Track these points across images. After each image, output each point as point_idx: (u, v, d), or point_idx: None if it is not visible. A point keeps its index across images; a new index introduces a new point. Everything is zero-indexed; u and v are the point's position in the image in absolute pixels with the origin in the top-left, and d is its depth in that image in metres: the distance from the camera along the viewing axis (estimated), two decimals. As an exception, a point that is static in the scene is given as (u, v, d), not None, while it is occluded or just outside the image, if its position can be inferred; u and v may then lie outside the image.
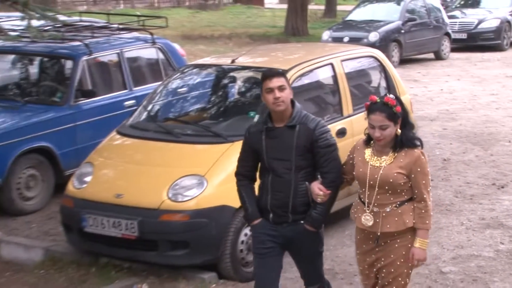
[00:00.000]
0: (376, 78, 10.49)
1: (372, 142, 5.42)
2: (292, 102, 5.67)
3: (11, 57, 12.19)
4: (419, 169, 5.28)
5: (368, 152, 5.42)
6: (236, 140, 8.29)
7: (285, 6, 34.45)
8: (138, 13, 17.39)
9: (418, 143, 5.40)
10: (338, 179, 5.63)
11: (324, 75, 9.76)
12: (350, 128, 9.39)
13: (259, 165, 5.79)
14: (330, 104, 9.61)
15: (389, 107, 5.21)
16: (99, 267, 8.28)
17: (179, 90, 10.12)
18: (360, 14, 25.66)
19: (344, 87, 9.59)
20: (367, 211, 5.35)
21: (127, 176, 8.29)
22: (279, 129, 5.61)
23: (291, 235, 5.64)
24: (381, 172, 5.25)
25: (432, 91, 18.88)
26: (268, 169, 5.63)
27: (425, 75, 21.37)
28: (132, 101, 10.79)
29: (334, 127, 9.11)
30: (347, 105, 9.55)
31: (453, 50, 25.19)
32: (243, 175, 5.86)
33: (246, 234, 8.24)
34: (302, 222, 5.60)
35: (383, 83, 10.43)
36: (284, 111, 5.56)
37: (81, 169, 8.92)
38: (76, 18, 14.60)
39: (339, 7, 37.52)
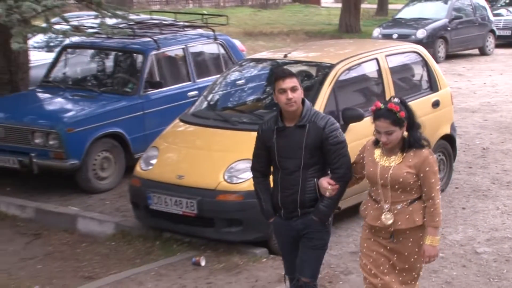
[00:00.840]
0: (419, 72, 10.27)
1: (380, 142, 5.23)
2: (303, 101, 5.40)
3: (90, 51, 12.30)
4: (427, 169, 5.09)
5: (377, 152, 5.24)
6: None
7: (340, 5, 34.38)
8: (205, 12, 17.34)
9: (426, 143, 5.22)
10: (348, 174, 5.41)
11: (369, 69, 9.62)
12: None
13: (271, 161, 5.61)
14: (374, 95, 9.42)
15: (393, 113, 5.01)
16: (163, 241, 8.39)
17: (237, 82, 10.08)
18: (409, 12, 25.29)
19: (387, 80, 9.44)
20: (385, 211, 5.16)
21: (188, 160, 8.36)
22: (289, 129, 5.37)
23: (301, 227, 5.45)
24: (391, 171, 5.09)
25: (476, 84, 18.57)
26: (278, 167, 5.44)
27: (470, 69, 21.11)
28: (195, 92, 10.78)
29: None
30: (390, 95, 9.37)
31: (498, 46, 24.79)
32: (258, 171, 5.68)
33: None
34: (309, 214, 5.41)
35: (425, 77, 10.24)
36: (295, 110, 5.31)
37: (148, 152, 9.01)
38: (147, 16, 14.80)
39: (390, 6, 37.18)
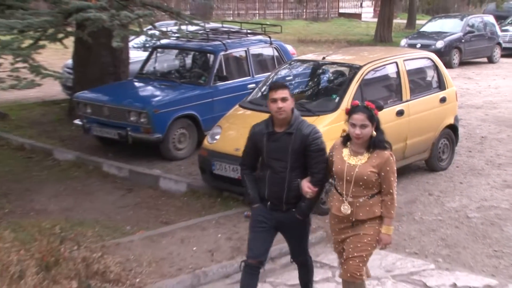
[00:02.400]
0: (430, 74, 10.21)
1: (348, 143, 4.96)
2: (292, 110, 5.11)
3: (174, 51, 12.43)
4: (388, 168, 4.84)
5: (345, 151, 4.93)
6: (321, 114, 8.50)
7: (376, 19, 34.02)
8: (268, 23, 17.48)
9: (388, 146, 4.94)
10: (325, 179, 5.15)
11: (390, 70, 9.55)
12: (407, 109, 9.33)
13: (260, 159, 5.28)
14: (393, 91, 9.45)
15: (369, 110, 4.81)
16: (223, 198, 8.58)
17: (285, 77, 10.08)
18: (432, 26, 24.98)
19: (404, 79, 9.43)
20: (345, 201, 4.91)
21: (243, 137, 8.14)
22: (278, 134, 5.04)
23: (283, 220, 5.17)
24: (356, 170, 4.80)
25: (481, 86, 18.36)
26: (267, 166, 5.12)
27: (478, 74, 20.88)
28: (253, 85, 10.78)
29: (395, 109, 9.16)
30: (406, 93, 9.40)
31: (503, 56, 24.39)
32: (247, 165, 5.35)
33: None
34: (293, 210, 5.13)
35: (435, 78, 10.16)
36: (285, 118, 4.98)
37: (213, 130, 9.11)
38: (219, 25, 14.92)
39: (418, 21, 36.64)
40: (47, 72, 7.26)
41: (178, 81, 11.46)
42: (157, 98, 10.69)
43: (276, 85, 5.10)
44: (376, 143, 4.84)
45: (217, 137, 8.82)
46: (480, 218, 8.14)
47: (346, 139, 4.97)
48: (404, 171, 9.78)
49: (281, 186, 5.05)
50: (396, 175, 4.95)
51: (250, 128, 5.31)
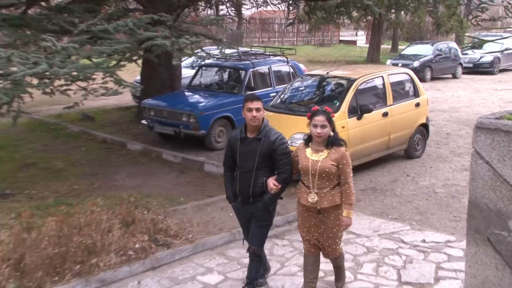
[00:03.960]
0: (408, 85, 10.18)
1: (310, 143, 4.67)
2: (262, 119, 4.77)
3: (215, 68, 12.45)
4: (345, 161, 4.55)
5: (308, 150, 4.62)
6: None
7: (368, 45, 33.90)
8: (285, 47, 17.56)
9: (343, 143, 4.68)
10: (289, 178, 4.75)
11: (378, 82, 9.57)
12: (390, 112, 9.34)
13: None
14: (380, 98, 9.45)
15: (327, 113, 4.57)
16: None
17: (298, 87, 10.12)
18: (410, 50, 24.79)
19: (388, 89, 9.47)
20: (312, 192, 4.58)
21: None
22: (249, 139, 4.69)
23: (251, 211, 4.82)
24: (319, 164, 4.51)
25: (447, 95, 18.18)
26: (239, 166, 4.78)
27: (445, 87, 20.60)
28: (274, 93, 10.82)
29: (381, 111, 9.18)
30: (390, 99, 9.42)
31: (464, 73, 24.09)
32: (227, 166, 4.97)
33: None
34: (258, 202, 4.76)
35: (412, 88, 10.15)
36: (257, 125, 4.66)
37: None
38: (248, 49, 14.93)
39: (400, 46, 36.14)
40: (126, 84, 7.41)
41: (217, 91, 11.56)
42: (202, 104, 10.75)
43: (252, 97, 4.76)
44: (333, 141, 4.59)
45: None
46: (444, 193, 8.19)
47: (308, 141, 4.71)
48: (388, 158, 9.86)
49: (248, 183, 4.72)
50: (351, 167, 4.67)
51: (230, 133, 4.99)
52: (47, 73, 6.70)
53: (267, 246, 6.06)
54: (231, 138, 4.87)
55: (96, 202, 6.85)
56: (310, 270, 4.89)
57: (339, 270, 5.08)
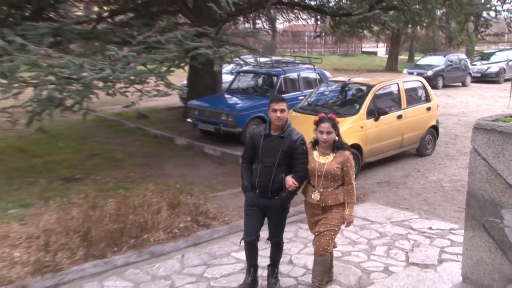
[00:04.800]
0: (420, 91, 10.03)
1: (317, 146, 4.44)
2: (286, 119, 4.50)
3: (250, 74, 12.40)
4: (348, 164, 4.35)
5: (315, 153, 4.40)
6: (347, 116, 8.40)
7: (387, 55, 33.41)
8: (313, 56, 17.54)
9: (347, 147, 4.47)
10: (305, 176, 4.48)
11: (393, 88, 9.45)
12: (404, 114, 9.25)
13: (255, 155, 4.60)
14: (395, 102, 9.35)
15: (332, 120, 4.36)
16: None
17: (323, 92, 10.09)
18: (424, 61, 24.31)
19: (403, 94, 9.37)
20: (316, 191, 4.39)
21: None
22: (273, 136, 4.43)
23: (268, 204, 4.52)
24: (326, 166, 4.30)
25: (457, 101, 17.81)
26: (260, 161, 4.47)
27: (455, 93, 20.16)
28: (302, 97, 10.68)
29: (396, 114, 9.07)
30: (404, 103, 9.33)
31: (472, 82, 23.54)
32: (246, 159, 4.64)
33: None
34: (276, 198, 4.50)
35: (424, 94, 10.00)
36: (281, 125, 4.41)
37: None
38: (280, 57, 14.89)
39: (415, 57, 35.44)
40: (175, 87, 7.47)
41: (253, 94, 11.48)
42: (239, 105, 10.75)
43: (278, 98, 4.47)
44: (339, 146, 4.38)
45: None
46: (451, 187, 8.11)
47: (315, 144, 4.47)
48: (401, 156, 9.76)
49: (268, 177, 4.44)
50: (354, 170, 4.46)
51: (251, 131, 4.78)
52: (110, 77, 6.81)
53: (292, 229, 6.16)
54: (254, 134, 4.59)
55: (148, 187, 6.98)
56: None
57: (322, 273, 4.63)
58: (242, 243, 4.72)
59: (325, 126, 4.29)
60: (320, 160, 4.36)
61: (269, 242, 4.76)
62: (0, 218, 6.09)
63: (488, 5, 10.01)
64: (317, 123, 4.36)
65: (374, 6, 9.84)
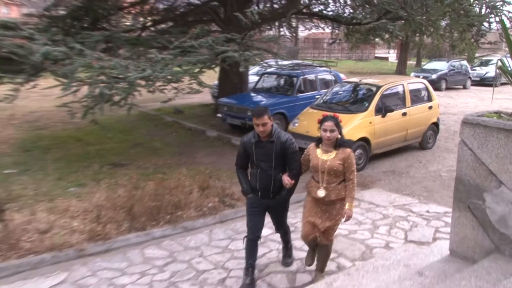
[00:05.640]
0: (423, 92, 9.89)
1: (320, 144, 4.17)
2: (271, 126, 4.17)
3: (273, 76, 12.34)
4: (350, 161, 4.05)
5: (318, 151, 4.12)
6: (357, 113, 8.40)
7: (397, 61, 32.85)
8: (329, 60, 17.40)
9: (349, 144, 4.17)
10: (299, 172, 4.23)
11: (399, 89, 9.38)
12: (408, 112, 9.16)
13: (250, 161, 4.32)
14: (400, 101, 9.27)
15: (335, 118, 4.09)
16: None
17: (338, 91, 10.03)
18: (429, 66, 23.90)
19: (407, 94, 9.30)
20: (321, 187, 4.10)
21: (311, 125, 7.92)
22: (263, 142, 4.13)
23: (271, 204, 4.33)
24: (328, 163, 4.02)
25: (458, 102, 17.52)
26: (256, 166, 4.22)
27: (456, 95, 19.83)
28: (319, 96, 10.60)
29: (401, 111, 9.00)
30: (408, 102, 9.27)
31: (472, 85, 23.11)
32: (240, 166, 4.35)
33: (357, 151, 8.07)
34: (277, 197, 4.29)
35: (426, 94, 9.87)
36: (266, 135, 4.10)
37: (294, 120, 9.10)
38: (300, 61, 14.85)
39: (422, 62, 34.89)
40: (206, 85, 7.54)
41: (275, 93, 11.46)
42: (263, 102, 10.68)
43: (257, 113, 4.08)
44: (341, 143, 4.09)
45: (296, 124, 8.80)
46: (448, 176, 8.03)
47: (318, 142, 4.20)
48: (405, 148, 9.69)
49: (268, 180, 4.20)
50: (355, 166, 4.15)
51: (242, 137, 4.36)
52: (151, 77, 6.92)
53: (296, 213, 6.12)
54: (245, 142, 4.24)
55: (182, 172, 7.10)
56: (312, 253, 4.52)
57: (325, 258, 4.51)
58: (245, 241, 4.45)
59: (329, 124, 4.05)
60: (323, 157, 4.09)
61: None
62: (62, 195, 6.35)
63: (482, 17, 9.86)
64: (321, 122, 4.12)
65: (382, 16, 9.75)
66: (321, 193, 4.09)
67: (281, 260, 4.85)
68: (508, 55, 3.55)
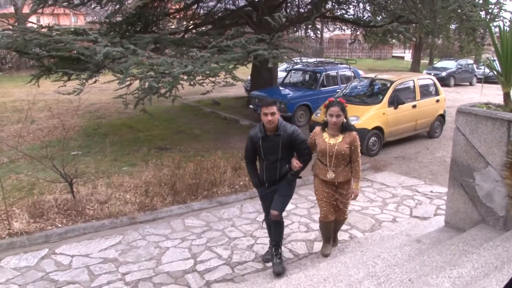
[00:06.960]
0: (432, 87, 9.67)
1: (326, 128, 3.91)
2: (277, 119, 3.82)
3: (299, 72, 12.25)
4: (356, 144, 3.81)
5: (325, 135, 3.88)
6: (372, 105, 8.36)
7: (411, 60, 31.88)
8: (350, 59, 17.15)
9: (354, 128, 3.91)
10: (309, 158, 3.89)
11: (410, 84, 9.22)
12: (418, 105, 9.04)
13: (257, 155, 3.97)
14: (411, 94, 9.12)
15: (341, 104, 3.83)
16: None
17: (357, 86, 9.93)
18: (440, 64, 23.25)
19: (417, 88, 9.16)
20: (330, 170, 3.87)
21: None
22: (270, 136, 3.79)
23: (276, 187, 3.94)
24: (336, 147, 3.79)
25: (464, 97, 16.92)
26: (264, 159, 3.89)
27: (463, 90, 19.16)
28: (339, 89, 10.51)
29: (411, 104, 8.87)
30: (418, 96, 9.13)
31: (478, 82, 22.31)
32: (249, 160, 4.03)
33: (372, 138, 8.12)
34: (282, 180, 3.92)
35: (434, 89, 9.65)
36: (273, 126, 3.75)
37: (317, 111, 9.09)
38: (323, 59, 14.72)
39: (434, 61, 33.81)
40: (239, 79, 7.49)
41: (301, 87, 11.36)
42: (290, 95, 10.61)
43: (267, 103, 3.77)
44: (347, 127, 3.84)
45: (319, 114, 8.77)
46: (444, 156, 7.94)
47: (324, 126, 3.94)
48: (415, 137, 9.55)
49: (274, 172, 3.91)
50: (360, 148, 3.91)
51: (248, 132, 4.01)
52: (192, 72, 7.02)
53: (295, 197, 5.89)
54: (252, 137, 3.90)
55: (218, 155, 7.26)
56: (327, 233, 4.25)
57: (336, 233, 4.39)
58: (264, 224, 4.33)
59: (335, 109, 3.78)
60: (330, 141, 3.83)
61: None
62: (117, 173, 6.64)
63: (484, 22, 9.60)
64: (327, 107, 3.86)
65: (394, 20, 9.65)
66: (330, 175, 3.87)
67: (273, 269, 4.05)
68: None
